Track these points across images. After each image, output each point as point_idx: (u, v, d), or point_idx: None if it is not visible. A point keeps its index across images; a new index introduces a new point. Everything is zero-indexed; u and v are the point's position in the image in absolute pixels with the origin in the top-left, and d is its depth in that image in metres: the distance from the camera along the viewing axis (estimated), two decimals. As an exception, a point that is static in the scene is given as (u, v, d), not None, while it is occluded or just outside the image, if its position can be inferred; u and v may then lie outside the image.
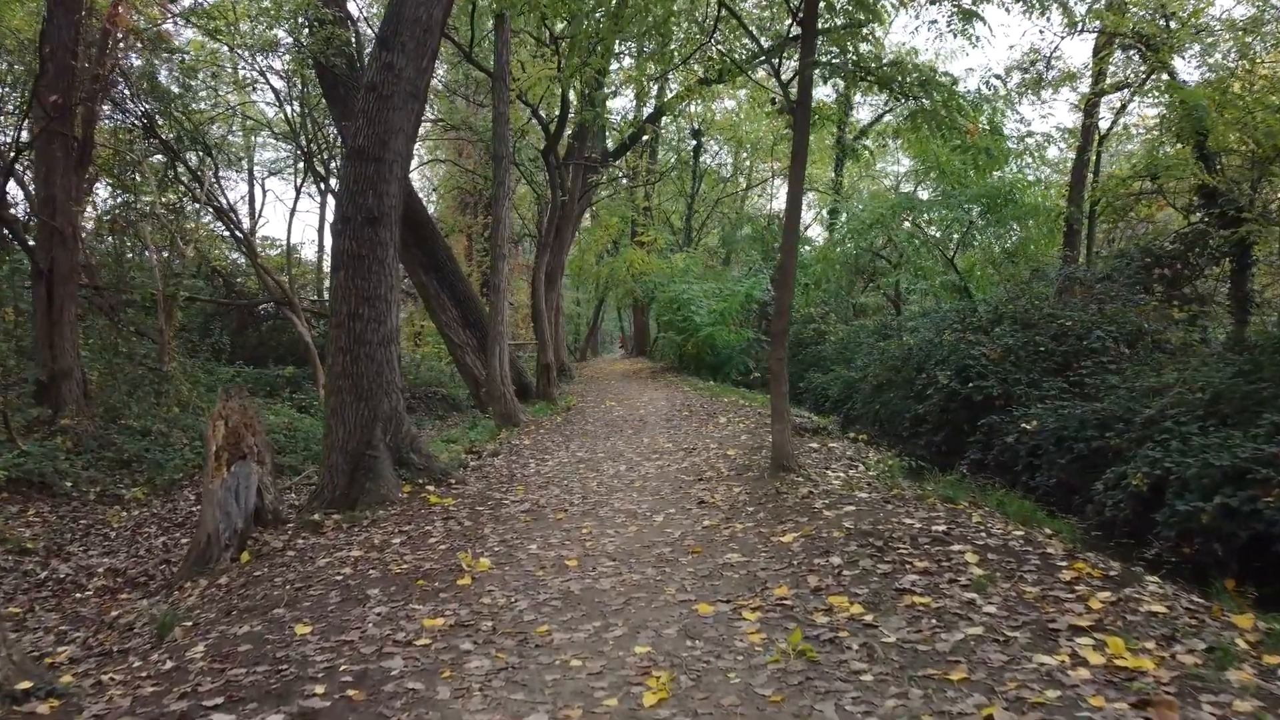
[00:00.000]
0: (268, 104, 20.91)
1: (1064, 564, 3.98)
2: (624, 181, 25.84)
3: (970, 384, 11.18)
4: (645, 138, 25.25)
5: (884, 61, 7.24)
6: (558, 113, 15.55)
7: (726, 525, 5.38)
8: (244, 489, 5.80)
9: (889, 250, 19.46)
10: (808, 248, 23.75)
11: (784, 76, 7.26)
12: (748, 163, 33.31)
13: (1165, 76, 10.60)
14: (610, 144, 22.51)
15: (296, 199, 30.07)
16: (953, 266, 17.81)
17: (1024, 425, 9.78)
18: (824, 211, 26.90)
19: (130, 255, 15.87)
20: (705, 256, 28.18)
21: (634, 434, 10.49)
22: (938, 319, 14.72)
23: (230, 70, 18.75)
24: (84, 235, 14.01)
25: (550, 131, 15.70)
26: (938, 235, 17.95)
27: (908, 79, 6.87)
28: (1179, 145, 10.48)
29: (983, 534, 4.55)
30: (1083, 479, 8.96)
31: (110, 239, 14.68)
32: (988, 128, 7.51)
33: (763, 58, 7.55)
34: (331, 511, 6.41)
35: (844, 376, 17.07)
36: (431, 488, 7.19)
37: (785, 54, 7.29)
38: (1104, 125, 16.36)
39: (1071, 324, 11.64)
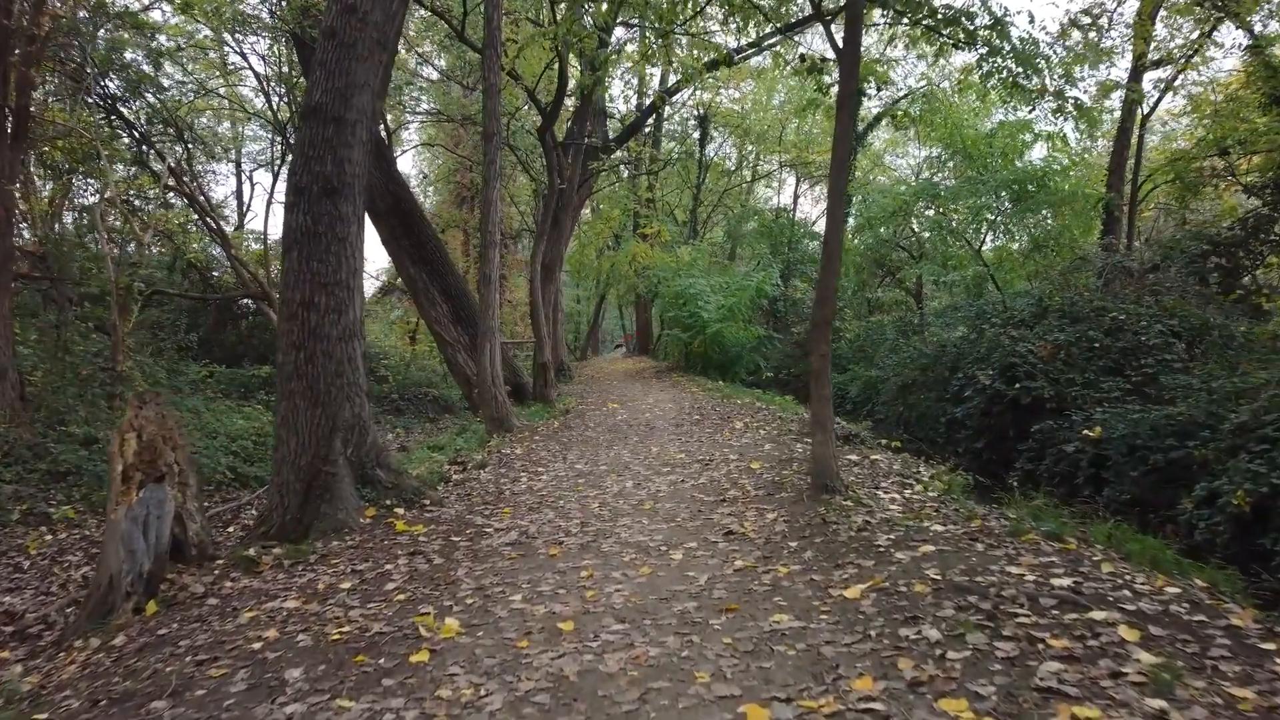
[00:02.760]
0: (252, 90, 19.79)
1: (1269, 646, 2.79)
2: (625, 171, 24.60)
3: (1017, 385, 9.98)
4: (648, 129, 24.05)
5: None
6: (556, 89, 14.33)
7: (766, 567, 4.19)
8: (155, 519, 4.61)
9: (910, 241, 18.26)
10: (818, 243, 22.53)
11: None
12: (753, 154, 32.12)
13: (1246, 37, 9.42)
14: (611, 132, 21.30)
15: (274, 185, 28.14)
16: (979, 257, 16.62)
17: (1086, 432, 8.60)
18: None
19: (96, 246, 14.67)
20: (711, 250, 26.96)
21: (640, 442, 9.30)
22: (971, 313, 13.53)
23: (208, 53, 17.61)
24: (37, 221, 12.88)
25: (545, 112, 14.49)
26: (959, 223, 16.74)
27: (977, 22, 5.70)
28: (1265, 113, 9.28)
29: (1125, 591, 3.36)
30: (1161, 494, 7.78)
31: (69, 226, 13.45)
32: (1064, 83, 6.32)
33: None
34: (272, 544, 5.23)
35: (864, 376, 15.90)
36: (400, 510, 6.02)
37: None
38: (1140, 108, 15.14)
39: (1125, 317, 10.46)
